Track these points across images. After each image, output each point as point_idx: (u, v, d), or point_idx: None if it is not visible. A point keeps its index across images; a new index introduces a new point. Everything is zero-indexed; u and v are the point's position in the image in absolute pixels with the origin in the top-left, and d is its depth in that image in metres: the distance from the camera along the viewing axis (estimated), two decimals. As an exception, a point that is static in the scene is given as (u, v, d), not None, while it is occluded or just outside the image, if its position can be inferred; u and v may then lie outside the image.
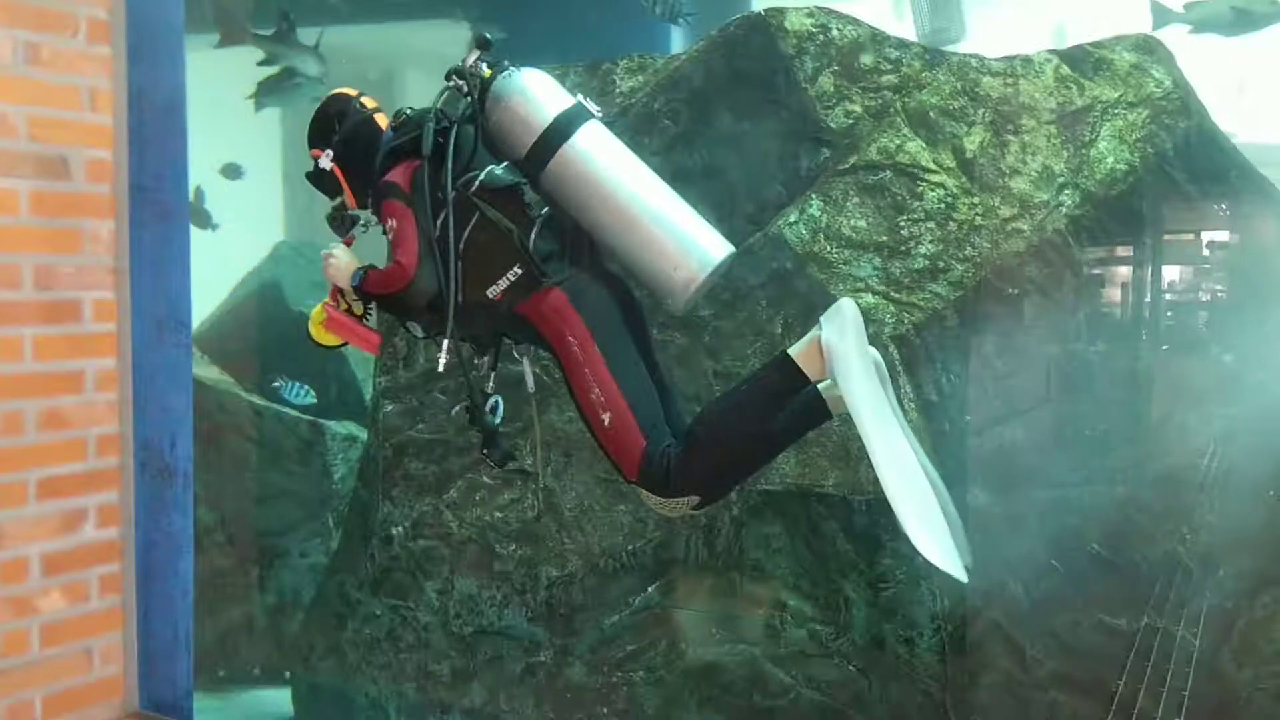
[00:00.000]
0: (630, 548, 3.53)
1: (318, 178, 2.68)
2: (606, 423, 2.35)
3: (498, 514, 3.66)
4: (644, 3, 5.89)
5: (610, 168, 2.41)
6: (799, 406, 2.37)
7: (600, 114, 2.49)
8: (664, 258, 2.37)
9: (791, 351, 2.34)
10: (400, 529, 3.80)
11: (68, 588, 2.85)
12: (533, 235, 2.42)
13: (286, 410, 4.83)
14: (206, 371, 4.89)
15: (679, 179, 3.59)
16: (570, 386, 2.42)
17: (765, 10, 3.57)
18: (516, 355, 2.62)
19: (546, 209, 2.46)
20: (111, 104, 2.94)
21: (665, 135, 3.63)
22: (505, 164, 2.45)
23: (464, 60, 2.52)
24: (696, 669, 3.49)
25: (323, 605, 4.14)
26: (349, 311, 2.62)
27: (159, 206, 3.04)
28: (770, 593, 3.41)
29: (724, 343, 3.49)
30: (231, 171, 6.86)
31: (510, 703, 3.70)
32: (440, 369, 2.43)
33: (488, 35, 2.55)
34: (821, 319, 2.31)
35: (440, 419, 3.70)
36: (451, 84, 2.53)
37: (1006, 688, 3.24)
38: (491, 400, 2.55)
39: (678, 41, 6.24)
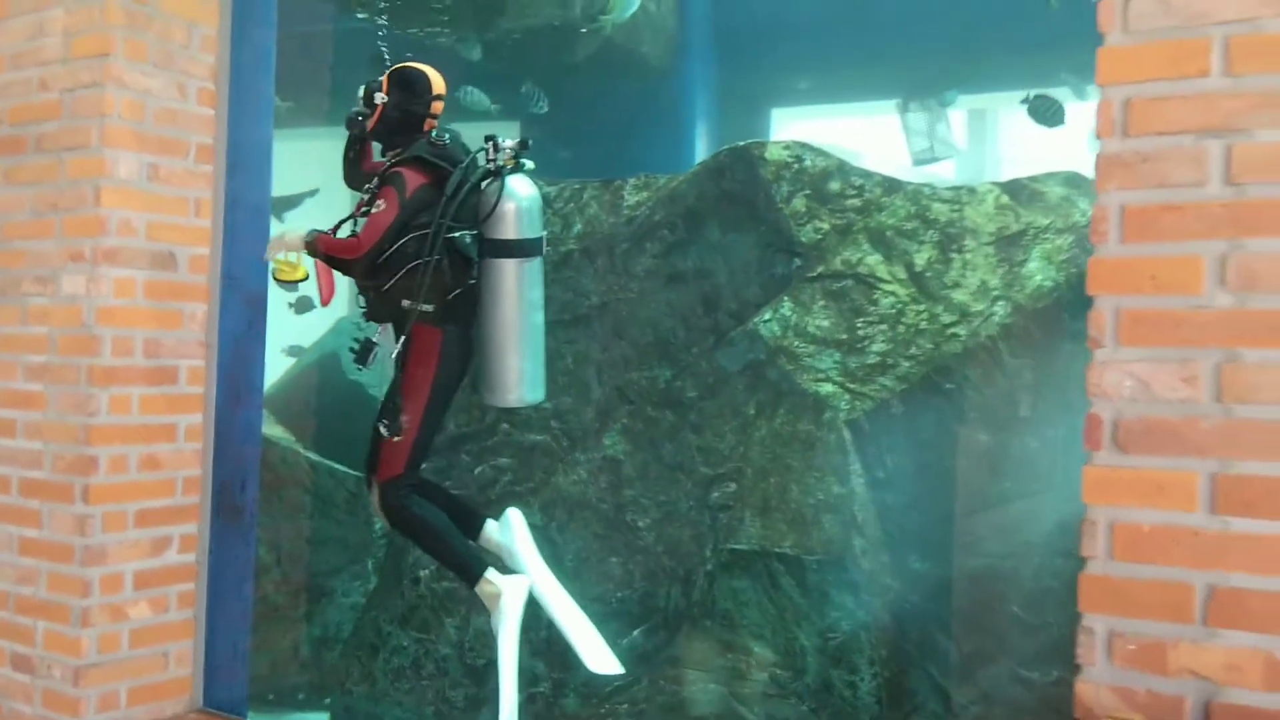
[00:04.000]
0: (619, 595, 4.06)
1: (368, 95, 3.15)
2: (395, 440, 3.00)
3: (509, 561, 4.23)
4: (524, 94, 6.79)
5: (523, 298, 3.03)
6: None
7: (545, 253, 3.09)
8: (508, 376, 3.04)
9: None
10: (427, 572, 4.38)
11: (153, 600, 3.26)
12: (455, 293, 3.02)
13: (338, 466, 5.47)
14: (272, 430, 5.51)
15: (674, 280, 4.27)
16: (391, 397, 3.02)
17: (749, 143, 4.23)
18: (382, 330, 3.17)
19: (473, 280, 3.06)
20: (211, 209, 3.42)
21: (664, 242, 4.26)
22: (474, 234, 3.04)
23: (505, 141, 3.06)
24: (674, 705, 3.98)
25: (359, 638, 4.69)
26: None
27: (244, 293, 3.50)
28: (737, 639, 3.88)
29: (706, 421, 4.07)
30: (303, 305, 7.26)
31: (514, 728, 4.21)
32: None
33: (529, 141, 3.08)
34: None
35: (465, 477, 4.31)
36: (487, 147, 3.07)
37: (937, 731, 3.71)
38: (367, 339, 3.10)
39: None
